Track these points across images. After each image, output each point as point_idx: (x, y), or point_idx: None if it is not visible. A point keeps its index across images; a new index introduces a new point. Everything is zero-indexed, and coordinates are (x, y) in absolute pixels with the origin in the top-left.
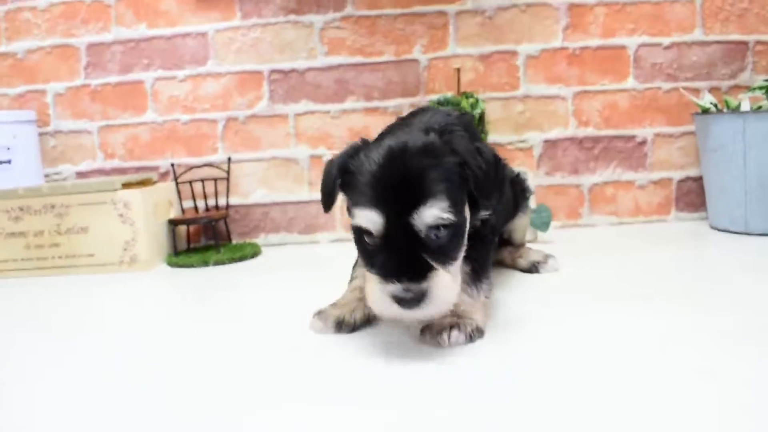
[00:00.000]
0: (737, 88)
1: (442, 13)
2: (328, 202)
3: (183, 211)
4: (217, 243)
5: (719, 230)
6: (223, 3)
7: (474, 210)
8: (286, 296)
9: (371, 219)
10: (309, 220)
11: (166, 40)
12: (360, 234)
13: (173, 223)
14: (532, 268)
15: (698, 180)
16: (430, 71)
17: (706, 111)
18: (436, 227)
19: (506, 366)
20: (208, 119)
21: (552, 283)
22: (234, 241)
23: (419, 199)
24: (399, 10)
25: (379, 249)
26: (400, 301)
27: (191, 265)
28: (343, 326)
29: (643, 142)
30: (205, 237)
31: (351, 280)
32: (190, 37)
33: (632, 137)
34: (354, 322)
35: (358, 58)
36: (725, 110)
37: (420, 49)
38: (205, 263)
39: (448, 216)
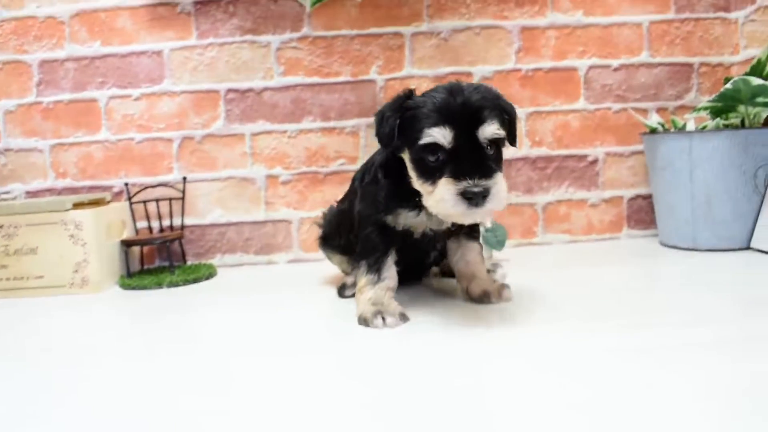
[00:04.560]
0: (683, 108)
1: (398, 35)
2: (390, 137)
3: (137, 231)
4: (172, 264)
5: (669, 246)
6: (180, 22)
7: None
8: (242, 318)
9: (443, 134)
10: (266, 241)
11: (121, 58)
12: (423, 155)
13: (126, 244)
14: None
15: (648, 198)
16: (387, 92)
17: (653, 131)
18: (492, 141)
19: (454, 389)
20: (164, 138)
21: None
22: (189, 262)
23: (481, 118)
24: (356, 31)
25: (446, 161)
26: (470, 198)
27: (144, 287)
28: (404, 316)
29: (595, 162)
30: (160, 258)
31: (368, 284)
32: (145, 55)
33: (584, 157)
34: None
35: (315, 79)
36: (672, 130)
37: (376, 70)
38: (159, 285)
39: (501, 132)
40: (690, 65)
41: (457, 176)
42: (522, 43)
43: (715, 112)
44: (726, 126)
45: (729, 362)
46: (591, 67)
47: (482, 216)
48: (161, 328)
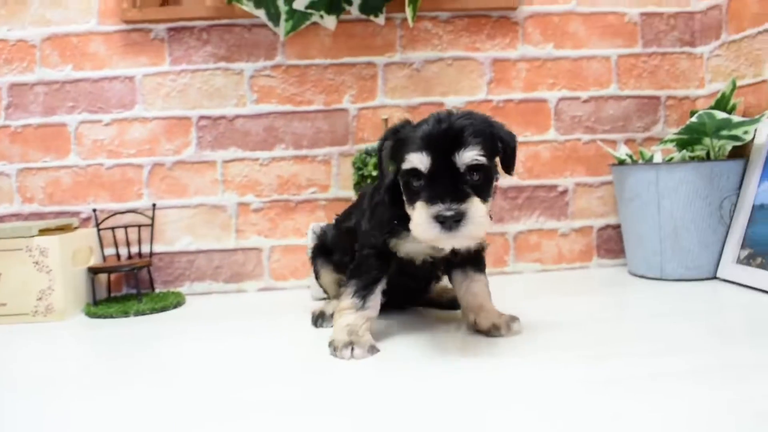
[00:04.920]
0: (651, 140)
1: (372, 65)
2: (380, 163)
3: (104, 258)
4: (139, 292)
5: (637, 276)
6: (153, 48)
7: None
8: (210, 348)
9: (421, 159)
10: (236, 269)
11: (93, 82)
12: (408, 179)
13: (93, 271)
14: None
15: (617, 228)
16: (359, 121)
17: (622, 162)
18: (473, 168)
19: (421, 422)
20: (134, 164)
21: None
22: (157, 290)
23: (461, 144)
24: (329, 61)
25: (425, 185)
26: (443, 221)
27: (110, 316)
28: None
29: (565, 192)
30: (127, 286)
31: (350, 308)
32: (117, 80)
33: (554, 187)
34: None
35: (288, 107)
36: (640, 161)
37: (349, 99)
38: (126, 313)
39: (482, 159)
40: (657, 98)
41: (431, 200)
42: (493, 74)
43: (681, 145)
44: (692, 158)
45: (698, 391)
46: (561, 99)
47: (460, 241)
48: (126, 358)
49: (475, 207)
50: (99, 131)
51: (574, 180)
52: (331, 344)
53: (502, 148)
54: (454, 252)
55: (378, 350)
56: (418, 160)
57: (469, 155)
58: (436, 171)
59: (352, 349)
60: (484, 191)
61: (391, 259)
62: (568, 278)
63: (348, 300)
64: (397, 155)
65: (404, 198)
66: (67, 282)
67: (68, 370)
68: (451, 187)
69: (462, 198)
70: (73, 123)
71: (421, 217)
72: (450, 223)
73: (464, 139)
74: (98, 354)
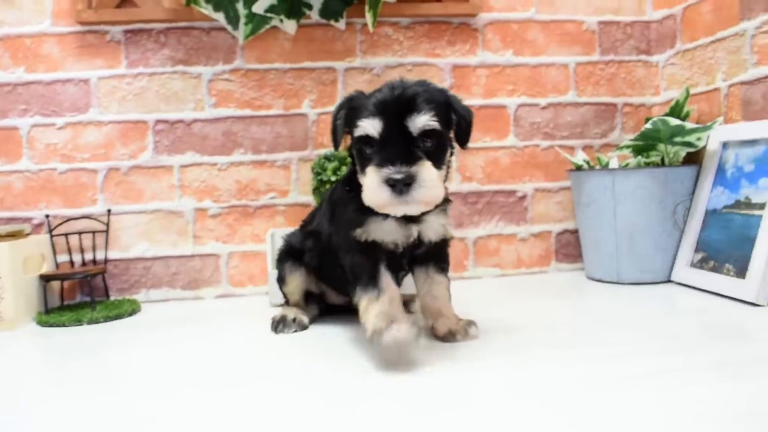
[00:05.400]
0: (608, 146)
1: (331, 69)
2: (334, 133)
3: (57, 265)
4: (93, 300)
5: (594, 280)
6: (109, 50)
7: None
8: (165, 356)
9: (373, 125)
10: (193, 275)
11: (46, 85)
12: (361, 147)
13: (45, 279)
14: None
15: (575, 233)
16: (319, 126)
17: (579, 168)
18: (425, 134)
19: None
20: (88, 169)
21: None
22: (112, 298)
23: (413, 109)
24: (289, 65)
25: (376, 150)
26: (393, 185)
27: (63, 324)
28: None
29: (524, 197)
30: (81, 293)
31: (370, 303)
32: (71, 83)
33: (513, 192)
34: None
35: (247, 111)
36: (597, 167)
37: (309, 104)
38: (79, 322)
39: (435, 124)
40: (614, 105)
41: (381, 163)
42: (453, 80)
43: (637, 151)
44: (647, 164)
45: (654, 394)
46: (520, 105)
47: (413, 208)
48: (77, 367)
49: (427, 170)
50: (52, 135)
51: (533, 185)
52: (372, 333)
53: (456, 121)
54: (419, 240)
55: (422, 330)
56: (370, 126)
57: (422, 120)
58: (388, 136)
59: (395, 328)
60: (437, 157)
61: (375, 248)
62: (526, 283)
63: (364, 299)
64: (351, 123)
65: (357, 168)
66: (17, 290)
67: (17, 380)
68: (404, 151)
69: (413, 161)
70: (25, 126)
71: (372, 181)
72: (400, 186)
73: (417, 105)
74: (49, 363)
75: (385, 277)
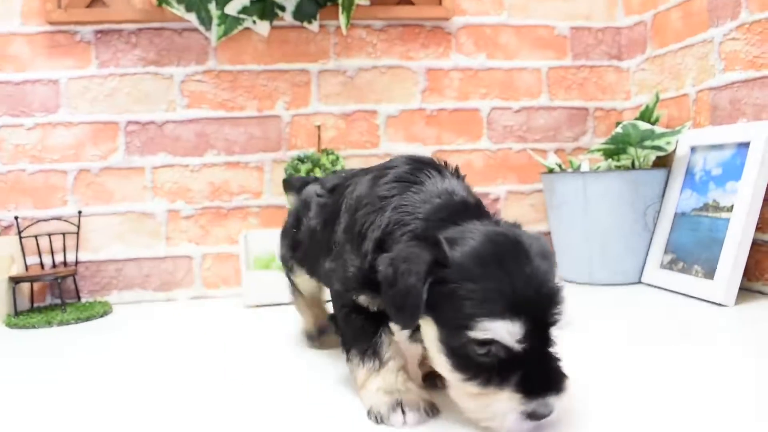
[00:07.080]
0: (580, 149)
1: (305, 71)
2: (413, 315)
3: (27, 267)
4: (64, 302)
5: (567, 281)
6: (79, 50)
7: None
8: (136, 358)
9: (509, 329)
10: (165, 277)
11: (15, 85)
12: (470, 346)
13: (14, 281)
14: None
15: (547, 234)
16: (293, 127)
17: (551, 170)
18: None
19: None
20: (58, 170)
21: None
22: (83, 300)
23: (556, 299)
24: (262, 66)
25: (507, 363)
26: (538, 419)
27: (33, 327)
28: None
29: (497, 199)
30: (52, 295)
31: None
32: (40, 83)
33: (487, 194)
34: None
35: (220, 112)
36: (568, 170)
37: (283, 105)
38: (49, 324)
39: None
40: (586, 109)
41: (525, 393)
42: (427, 83)
43: (608, 154)
44: (618, 167)
45: (630, 391)
46: (493, 109)
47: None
48: (47, 370)
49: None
50: (21, 136)
51: (506, 187)
52: (370, 413)
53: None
54: None
55: (438, 411)
56: (504, 331)
57: (564, 317)
58: (531, 348)
59: (403, 411)
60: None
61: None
62: None
63: (362, 369)
64: (447, 307)
65: (442, 359)
66: None
67: None
68: (551, 366)
69: (561, 385)
70: None
71: (508, 410)
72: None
73: (561, 298)
74: (17, 366)
75: (386, 345)
